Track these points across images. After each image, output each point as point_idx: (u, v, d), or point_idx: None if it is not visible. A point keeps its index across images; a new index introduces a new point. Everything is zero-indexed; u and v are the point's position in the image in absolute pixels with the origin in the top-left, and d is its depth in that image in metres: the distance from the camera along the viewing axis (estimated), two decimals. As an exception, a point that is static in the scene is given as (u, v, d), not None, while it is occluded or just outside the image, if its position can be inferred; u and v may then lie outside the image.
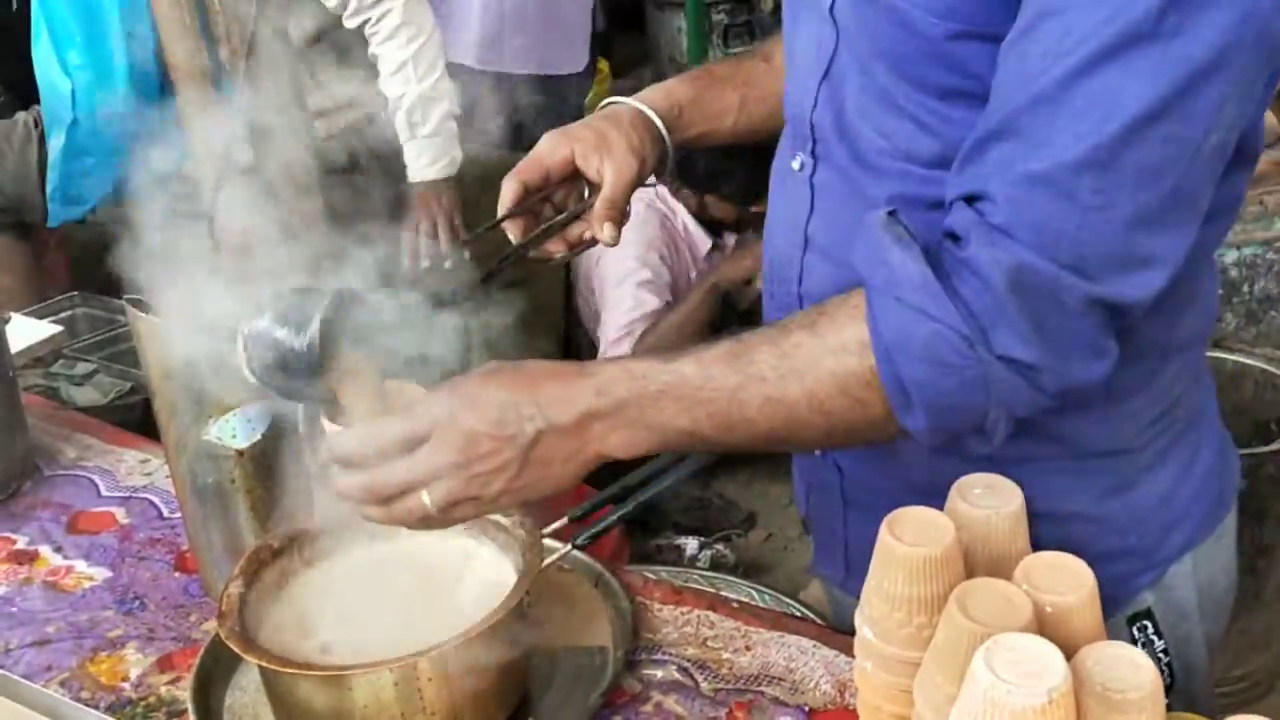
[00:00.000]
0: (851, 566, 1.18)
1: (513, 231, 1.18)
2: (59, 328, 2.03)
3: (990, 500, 0.89)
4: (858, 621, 0.89)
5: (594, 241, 1.20)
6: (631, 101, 1.22)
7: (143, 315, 1.17)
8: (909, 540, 0.84)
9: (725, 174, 2.65)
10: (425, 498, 0.93)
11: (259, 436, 1.20)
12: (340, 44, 2.16)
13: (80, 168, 1.99)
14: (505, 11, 3.05)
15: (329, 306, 0.99)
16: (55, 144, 1.97)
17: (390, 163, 2.33)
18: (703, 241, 2.79)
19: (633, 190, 1.18)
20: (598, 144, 1.18)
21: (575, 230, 1.20)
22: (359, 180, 2.22)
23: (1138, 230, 0.83)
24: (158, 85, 1.96)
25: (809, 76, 1.06)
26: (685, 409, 0.92)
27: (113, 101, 1.87)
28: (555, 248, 1.20)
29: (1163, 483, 1.07)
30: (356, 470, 0.94)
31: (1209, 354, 2.42)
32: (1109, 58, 0.80)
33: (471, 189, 2.33)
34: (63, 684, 1.18)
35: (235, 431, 1.20)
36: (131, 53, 1.91)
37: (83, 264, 2.77)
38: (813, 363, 0.90)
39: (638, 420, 0.93)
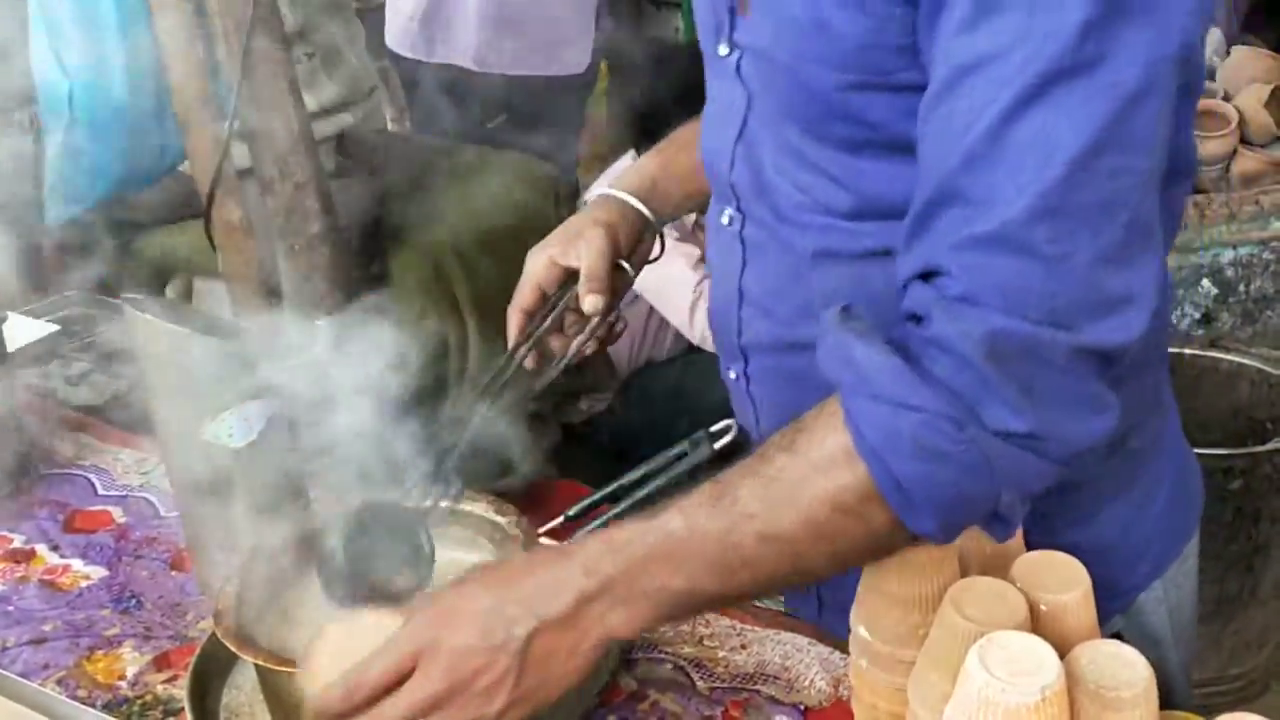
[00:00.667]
0: (826, 605, 1.17)
1: (530, 361, 1.18)
2: (56, 327, 2.03)
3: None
4: (853, 620, 0.89)
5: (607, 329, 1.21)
6: (605, 190, 1.24)
7: (140, 314, 1.18)
8: (904, 539, 0.84)
9: None
10: None
11: (256, 435, 1.20)
12: (330, 43, 2.15)
13: (78, 166, 1.99)
14: (502, 13, 3.05)
15: (348, 529, 1.03)
16: (53, 141, 1.96)
17: (387, 165, 2.33)
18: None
19: (611, 261, 1.18)
20: (569, 238, 1.20)
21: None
22: (356, 183, 2.22)
23: (1105, 270, 0.79)
24: (155, 85, 1.96)
25: (724, 136, 1.06)
26: (677, 568, 0.86)
27: (110, 101, 1.87)
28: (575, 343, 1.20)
29: (1124, 511, 1.06)
30: None
31: (1205, 353, 2.44)
32: (1035, 100, 0.76)
33: (481, 186, 2.31)
34: (59, 682, 1.18)
35: (232, 430, 1.19)
36: (129, 51, 1.90)
37: (79, 264, 2.76)
38: (800, 484, 0.83)
39: (630, 594, 0.86)
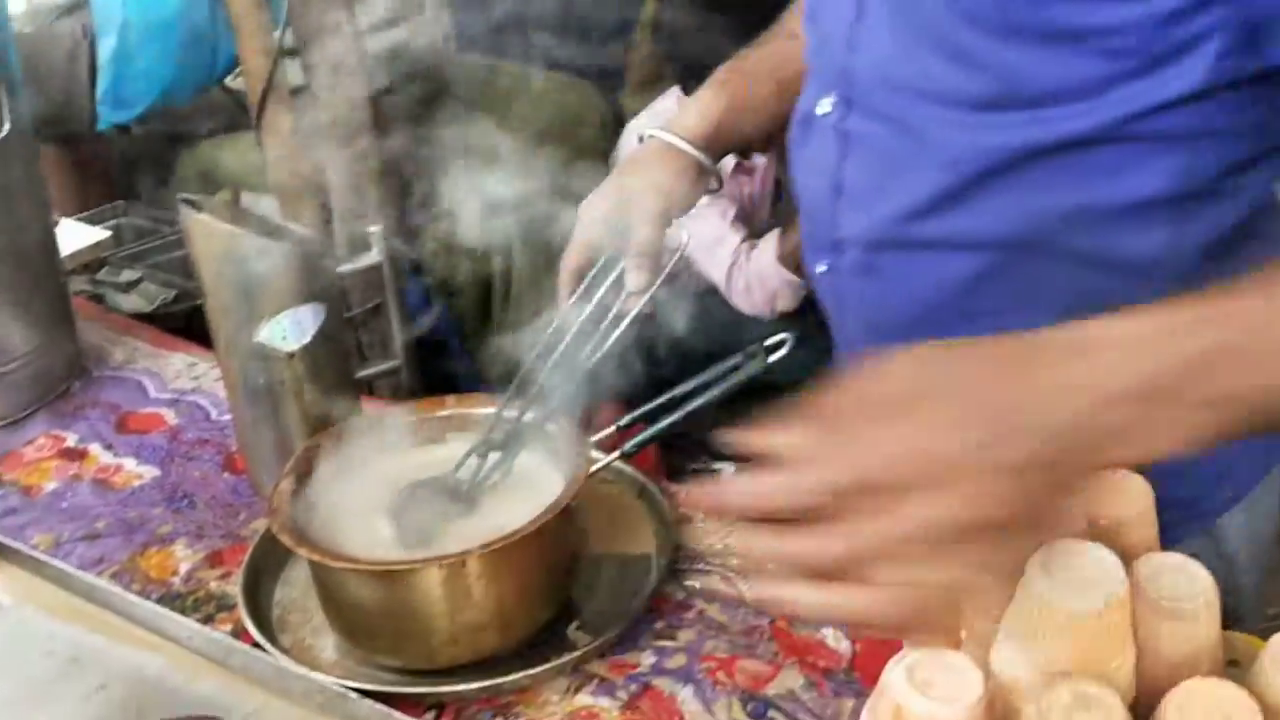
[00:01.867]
0: None
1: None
2: (107, 233, 2.05)
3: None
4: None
5: None
6: (662, 136, 1.20)
7: (196, 215, 1.18)
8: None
9: None
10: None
11: (309, 339, 1.21)
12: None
13: (130, 71, 1.99)
14: None
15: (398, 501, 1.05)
16: (106, 45, 1.96)
17: (436, 81, 2.32)
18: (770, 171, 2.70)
19: (663, 232, 1.16)
20: (622, 200, 1.16)
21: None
22: (405, 98, 2.21)
23: None
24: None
25: (840, 18, 1.01)
26: (1257, 364, 0.64)
27: (164, 7, 1.87)
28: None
29: None
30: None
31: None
32: None
33: (528, 106, 2.30)
34: (114, 576, 1.20)
35: (286, 334, 1.20)
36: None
37: (128, 175, 2.78)
38: None
39: (1185, 398, 0.64)
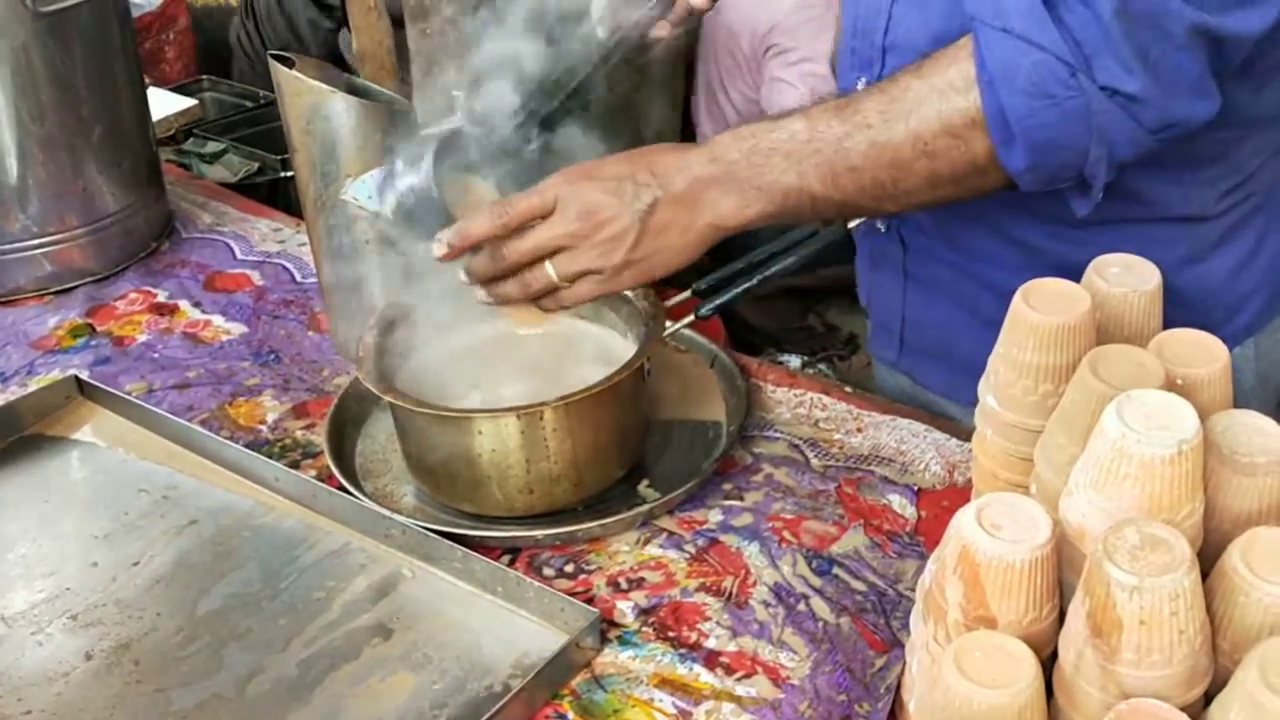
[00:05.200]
0: (906, 345, 1.23)
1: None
2: (194, 101, 2.08)
3: (1127, 279, 0.89)
4: (981, 390, 0.89)
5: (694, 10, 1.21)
6: None
7: (286, 70, 1.20)
8: (1042, 309, 0.84)
9: None
10: (550, 269, 1.00)
11: (393, 198, 1.23)
12: None
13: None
14: None
15: (440, 145, 1.09)
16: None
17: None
18: None
19: None
20: None
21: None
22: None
23: None
24: None
25: None
26: (793, 164, 0.95)
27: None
28: (660, 31, 1.21)
29: (1232, 258, 1.08)
30: (487, 250, 1.01)
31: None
32: None
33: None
34: (204, 423, 1.25)
35: (371, 192, 1.22)
36: None
37: (210, 51, 2.81)
38: (918, 103, 0.91)
39: (748, 181, 0.96)
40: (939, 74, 0.91)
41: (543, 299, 1.03)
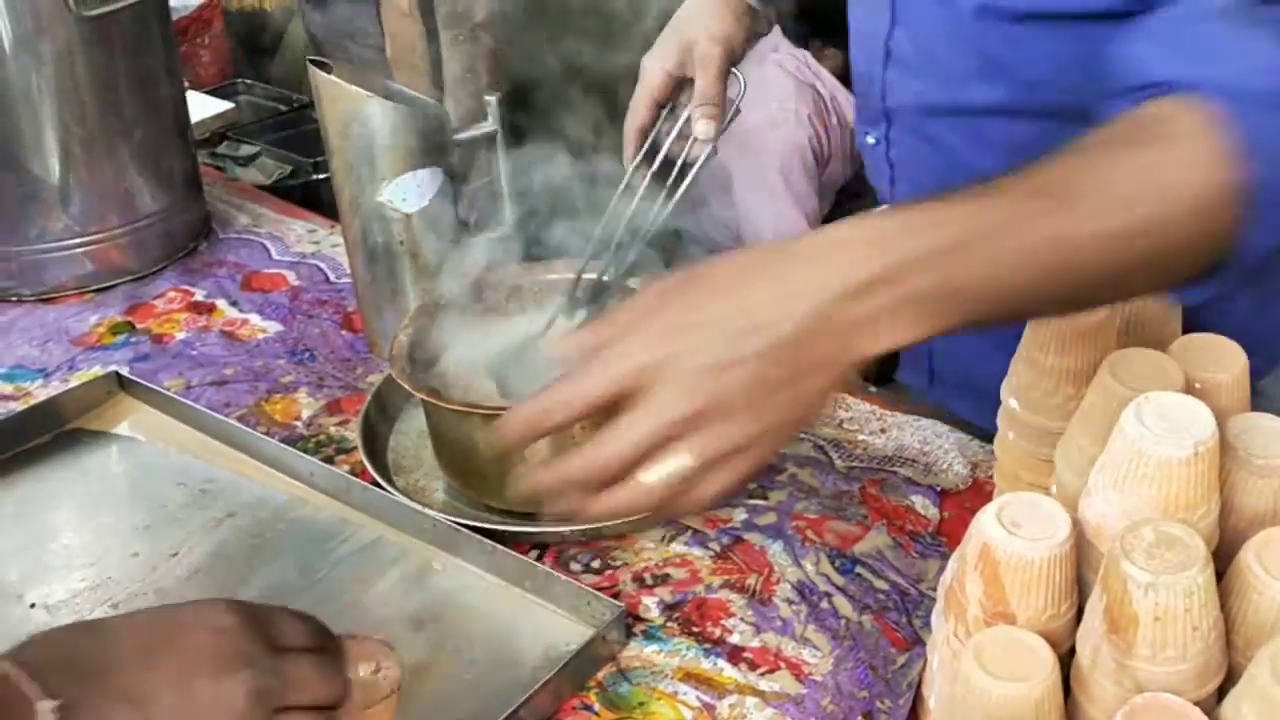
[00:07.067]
0: (936, 376, 1.21)
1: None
2: (231, 104, 2.12)
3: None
4: (1004, 392, 0.91)
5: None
6: None
7: (324, 75, 1.23)
8: (1063, 313, 0.85)
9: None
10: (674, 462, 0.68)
11: (428, 201, 1.26)
12: None
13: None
14: None
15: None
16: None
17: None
18: (849, 105, 2.75)
19: (726, 79, 1.16)
20: (683, 49, 1.16)
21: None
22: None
23: None
24: None
25: None
26: (992, 262, 0.69)
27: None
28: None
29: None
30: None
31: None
32: None
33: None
34: (240, 419, 1.27)
35: (406, 195, 1.25)
36: None
37: (244, 55, 2.85)
38: (1158, 174, 0.72)
39: (920, 290, 0.67)
40: (1178, 145, 0.73)
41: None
